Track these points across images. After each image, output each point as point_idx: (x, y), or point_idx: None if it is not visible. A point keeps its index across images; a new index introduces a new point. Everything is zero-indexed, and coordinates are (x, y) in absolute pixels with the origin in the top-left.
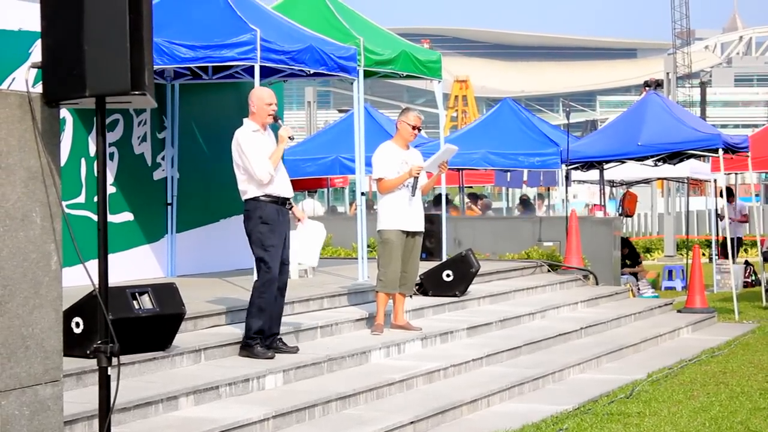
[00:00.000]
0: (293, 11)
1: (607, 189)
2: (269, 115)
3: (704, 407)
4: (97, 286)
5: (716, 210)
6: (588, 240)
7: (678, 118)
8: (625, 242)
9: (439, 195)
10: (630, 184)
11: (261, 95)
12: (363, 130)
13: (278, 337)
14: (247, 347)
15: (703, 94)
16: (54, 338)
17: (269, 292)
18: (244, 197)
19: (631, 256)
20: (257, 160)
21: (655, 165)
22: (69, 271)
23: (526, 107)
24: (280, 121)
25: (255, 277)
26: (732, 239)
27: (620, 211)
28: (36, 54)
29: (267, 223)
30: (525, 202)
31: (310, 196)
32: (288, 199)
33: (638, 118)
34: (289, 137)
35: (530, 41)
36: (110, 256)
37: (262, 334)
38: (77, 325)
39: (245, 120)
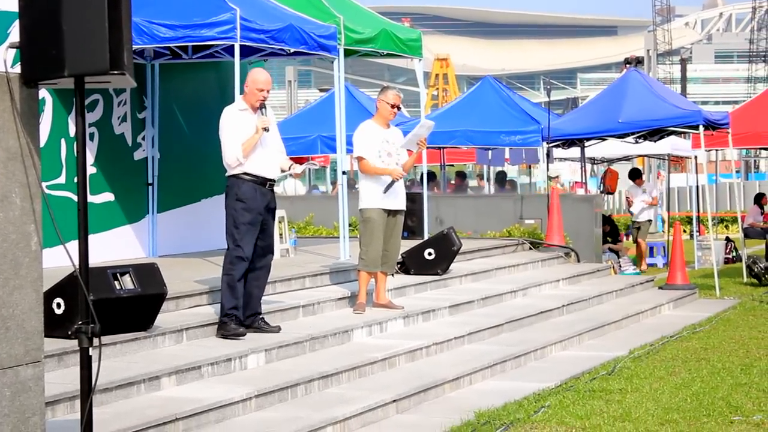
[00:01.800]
0: None
1: (588, 166)
2: (258, 100)
3: (686, 383)
4: (77, 266)
5: (697, 186)
6: (569, 217)
7: (658, 95)
8: (607, 220)
9: (430, 173)
10: (611, 161)
11: (255, 78)
12: (344, 109)
13: (260, 316)
14: (222, 325)
15: (684, 71)
16: (35, 319)
17: (237, 269)
18: (226, 174)
19: (612, 233)
20: (229, 141)
21: (636, 142)
22: (49, 252)
23: (506, 85)
24: (263, 111)
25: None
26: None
27: (601, 189)
28: (14, 34)
29: (241, 201)
30: (500, 180)
31: (292, 175)
32: (270, 179)
33: (619, 96)
34: (264, 128)
35: (511, 19)
36: (91, 237)
37: (236, 310)
38: (58, 305)
39: (238, 97)
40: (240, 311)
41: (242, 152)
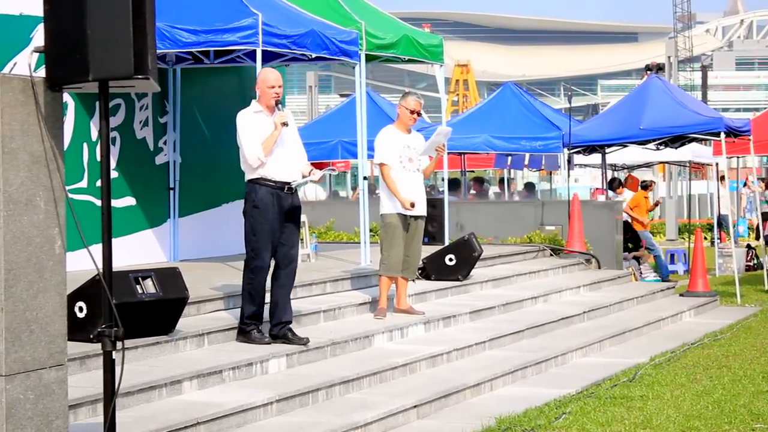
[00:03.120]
0: None
1: (609, 173)
2: (272, 97)
3: (707, 390)
4: (101, 270)
5: (717, 195)
6: (590, 224)
7: (680, 102)
8: (627, 226)
9: (454, 179)
10: (632, 167)
11: (264, 77)
12: (365, 114)
13: (289, 326)
14: (242, 332)
15: (705, 78)
16: (58, 322)
17: (257, 278)
18: (245, 179)
19: (633, 239)
20: (249, 142)
21: (657, 149)
22: (72, 255)
23: (527, 91)
24: (279, 106)
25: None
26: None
27: None
28: (38, 38)
29: (257, 207)
30: (530, 188)
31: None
32: (288, 183)
33: (640, 102)
34: (283, 123)
35: (531, 25)
36: (113, 241)
37: (257, 318)
38: (81, 309)
39: (252, 101)
40: (260, 319)
41: (263, 151)
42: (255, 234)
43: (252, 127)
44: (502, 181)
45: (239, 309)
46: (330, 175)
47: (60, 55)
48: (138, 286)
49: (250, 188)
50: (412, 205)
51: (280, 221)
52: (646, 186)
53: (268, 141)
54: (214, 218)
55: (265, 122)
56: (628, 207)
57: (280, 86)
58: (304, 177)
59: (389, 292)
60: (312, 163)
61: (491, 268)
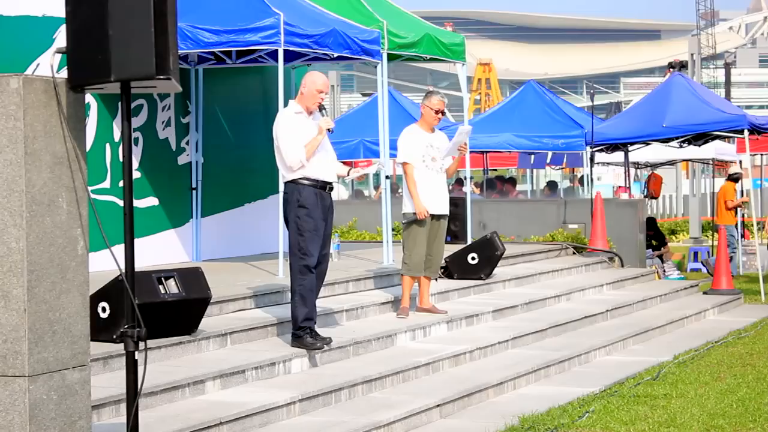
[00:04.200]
0: None
1: (632, 171)
2: (317, 102)
3: (731, 389)
4: (123, 270)
5: (742, 191)
6: (613, 222)
7: (703, 99)
8: (651, 224)
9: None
10: (655, 165)
11: (315, 80)
12: (387, 113)
13: (314, 323)
14: (296, 338)
15: (728, 75)
16: (81, 323)
17: (308, 278)
18: (283, 180)
19: (656, 237)
20: (290, 144)
21: (680, 146)
22: (95, 256)
23: (549, 89)
24: (324, 111)
25: (288, 263)
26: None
27: (645, 193)
28: (60, 40)
29: (304, 207)
30: (552, 185)
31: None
32: (329, 183)
33: (663, 100)
34: (328, 129)
35: (553, 23)
36: (135, 241)
37: (311, 321)
38: (103, 309)
39: (291, 101)
40: (314, 321)
41: (305, 154)
42: (303, 234)
43: (294, 128)
44: (512, 181)
45: (261, 308)
46: (377, 171)
47: (82, 56)
48: (161, 286)
49: (291, 189)
50: (427, 214)
51: (324, 221)
52: (737, 178)
53: (312, 145)
54: (236, 218)
55: (305, 124)
56: (723, 199)
57: (326, 92)
58: (340, 177)
59: (412, 291)
60: None
61: (514, 266)
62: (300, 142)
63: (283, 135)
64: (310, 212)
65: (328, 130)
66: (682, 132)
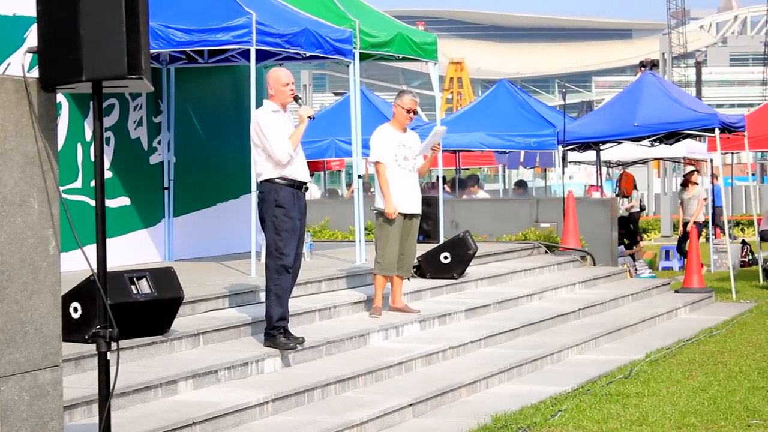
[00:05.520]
0: None
1: (604, 170)
2: (288, 95)
3: (703, 387)
4: (95, 270)
5: (712, 191)
6: (585, 221)
7: (674, 98)
8: (623, 222)
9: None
10: (626, 164)
11: (277, 77)
12: (359, 113)
13: (286, 323)
14: (269, 338)
15: (699, 74)
16: (53, 323)
17: (285, 278)
18: (259, 179)
19: (628, 236)
20: (277, 140)
21: (652, 145)
22: (66, 256)
23: (521, 88)
24: (300, 101)
25: (263, 261)
26: None
27: (617, 192)
28: (31, 39)
29: (282, 207)
30: (521, 184)
31: None
32: (304, 183)
33: (634, 99)
34: (310, 117)
35: (525, 22)
36: (107, 241)
37: (284, 321)
38: (75, 310)
39: (265, 101)
40: (287, 321)
41: (292, 146)
42: (280, 234)
43: (275, 125)
44: (477, 180)
45: (234, 308)
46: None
47: (53, 55)
48: (133, 286)
49: (268, 188)
50: (395, 215)
51: (299, 220)
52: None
53: (296, 135)
54: (208, 218)
55: (283, 121)
56: None
57: (293, 83)
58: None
59: (384, 290)
60: (306, 162)
61: (486, 265)
62: (284, 136)
63: (267, 132)
64: (288, 212)
65: (310, 117)
66: (653, 131)
